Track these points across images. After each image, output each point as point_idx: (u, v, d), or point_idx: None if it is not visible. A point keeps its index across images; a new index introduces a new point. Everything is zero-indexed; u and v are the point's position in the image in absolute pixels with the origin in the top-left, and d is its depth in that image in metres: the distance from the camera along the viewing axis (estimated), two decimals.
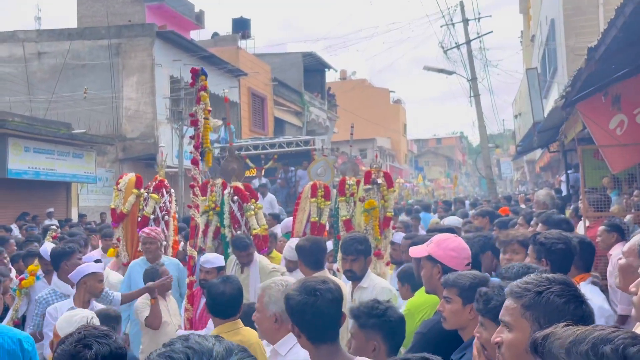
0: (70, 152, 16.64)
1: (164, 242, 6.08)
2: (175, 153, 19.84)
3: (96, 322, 3.16)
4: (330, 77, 40.81)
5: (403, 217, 11.68)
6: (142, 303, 4.97)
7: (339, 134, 27.10)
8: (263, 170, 15.90)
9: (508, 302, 1.84)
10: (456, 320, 2.75)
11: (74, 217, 16.26)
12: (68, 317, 3.24)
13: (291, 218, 7.73)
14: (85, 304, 4.30)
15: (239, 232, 6.21)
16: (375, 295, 3.67)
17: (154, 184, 6.82)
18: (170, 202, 6.86)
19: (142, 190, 6.80)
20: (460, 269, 3.08)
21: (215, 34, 30.27)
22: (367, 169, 7.06)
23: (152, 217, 6.57)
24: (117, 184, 6.95)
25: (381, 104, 51.80)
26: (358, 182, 6.89)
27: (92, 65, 19.70)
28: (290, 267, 5.41)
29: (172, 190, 6.99)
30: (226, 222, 6.42)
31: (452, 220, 8.31)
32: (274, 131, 28.02)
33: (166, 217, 6.72)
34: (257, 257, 5.67)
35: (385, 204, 6.52)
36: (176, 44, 21.14)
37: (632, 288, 1.81)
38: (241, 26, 30.46)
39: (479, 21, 20.32)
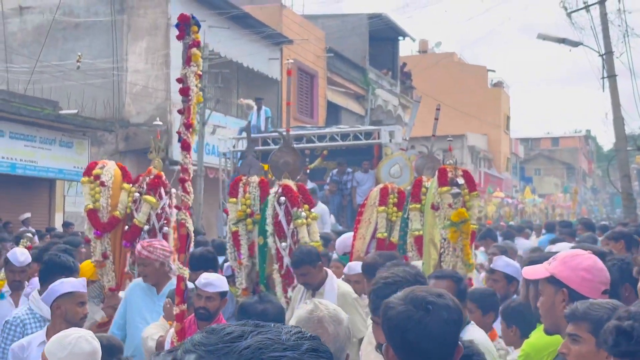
0: (57, 139, 16.99)
1: (170, 260, 5.89)
2: (194, 145, 20.15)
3: (96, 344, 3.29)
4: (406, 48, 40.88)
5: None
6: (155, 333, 5.04)
7: (417, 127, 26.85)
8: (307, 171, 15.96)
9: None
10: None
11: (58, 226, 16.56)
12: (60, 338, 3.35)
13: (350, 234, 7.74)
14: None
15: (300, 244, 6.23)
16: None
17: (147, 179, 6.57)
18: (170, 206, 6.50)
19: (133, 188, 6.59)
20: (595, 296, 3.04)
21: None
22: (441, 166, 6.92)
23: (145, 227, 6.36)
24: (91, 174, 6.56)
25: (476, 88, 51.41)
26: (466, 174, 6.81)
27: (88, 25, 20.16)
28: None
29: (173, 190, 6.53)
30: (269, 228, 6.43)
31: (562, 247, 8.18)
32: (327, 120, 28.12)
33: (165, 228, 6.48)
34: (336, 281, 5.66)
35: (468, 212, 6.42)
36: (199, 1, 21.43)
37: None
38: None
39: None
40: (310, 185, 15.35)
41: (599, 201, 66.93)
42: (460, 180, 6.35)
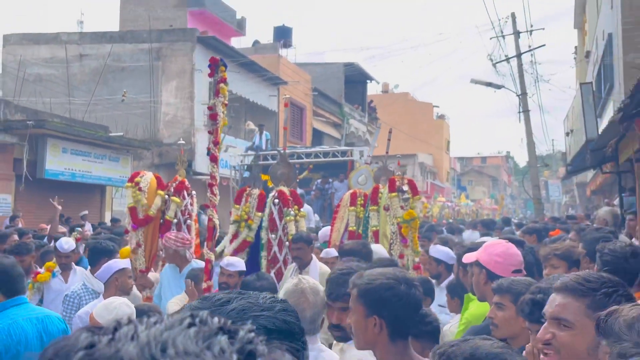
0: (107, 155, 17.02)
1: (190, 247, 5.95)
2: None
3: (133, 308, 3.25)
4: (372, 89, 40.98)
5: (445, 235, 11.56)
6: (175, 304, 5.00)
7: (380, 148, 27.15)
8: (297, 180, 15.94)
9: (565, 299, 1.81)
10: (508, 329, 2.68)
11: (107, 221, 16.54)
12: (107, 304, 3.32)
13: (329, 227, 7.72)
14: None
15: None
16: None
17: (174, 185, 6.61)
18: (192, 204, 6.66)
19: (164, 192, 6.62)
20: (506, 275, 3.05)
21: (256, 42, 30.75)
22: (391, 177, 6.96)
23: (174, 220, 6.42)
24: (133, 181, 6.63)
25: (424, 119, 51.58)
26: (410, 182, 6.78)
27: (132, 69, 20.20)
28: None
29: (194, 192, 6.78)
30: (265, 224, 6.37)
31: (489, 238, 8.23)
32: (312, 142, 28.17)
33: (188, 220, 6.54)
34: (318, 263, 5.60)
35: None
36: (217, 50, 21.44)
37: None
38: (283, 35, 30.87)
39: (530, 34, 20.16)
40: (299, 191, 15.39)
41: (516, 205, 67.31)
42: (405, 187, 6.28)
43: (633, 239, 7.67)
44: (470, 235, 12.91)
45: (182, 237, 5.80)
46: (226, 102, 5.14)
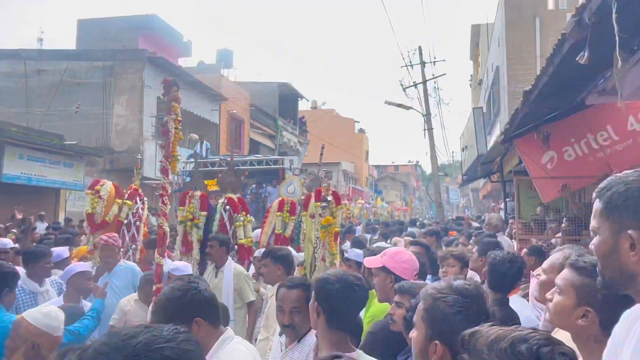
0: (61, 161, 16.30)
1: (121, 248, 5.75)
2: (158, 167, 19.61)
3: (61, 316, 2.96)
4: (303, 105, 41.00)
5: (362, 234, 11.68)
6: (128, 301, 4.78)
7: (308, 157, 27.30)
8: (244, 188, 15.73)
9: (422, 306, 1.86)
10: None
11: (62, 221, 15.86)
12: (45, 314, 2.95)
13: (259, 230, 7.60)
14: (76, 302, 4.18)
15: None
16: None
17: (128, 192, 6.54)
18: (142, 209, 6.57)
19: (120, 200, 6.47)
20: (410, 279, 3.12)
21: (200, 62, 30.27)
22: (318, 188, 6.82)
23: (125, 221, 6.29)
24: (94, 189, 6.43)
25: (347, 132, 52.05)
26: (335, 195, 6.58)
27: (86, 84, 19.42)
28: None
29: (145, 199, 6.70)
30: (215, 228, 6.20)
31: (396, 241, 8.39)
32: (249, 151, 27.96)
33: (137, 222, 6.43)
34: (233, 263, 5.44)
35: (334, 220, 6.30)
36: (164, 69, 20.99)
37: (548, 295, 1.87)
38: (225, 57, 30.55)
39: (434, 64, 20.78)
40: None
41: (423, 206, 69.01)
42: (330, 197, 6.21)
43: (513, 240, 8.03)
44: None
45: (112, 236, 5.50)
46: (179, 118, 4.94)
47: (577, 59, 3.40)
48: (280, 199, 7.44)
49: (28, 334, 2.73)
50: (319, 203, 6.10)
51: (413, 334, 1.82)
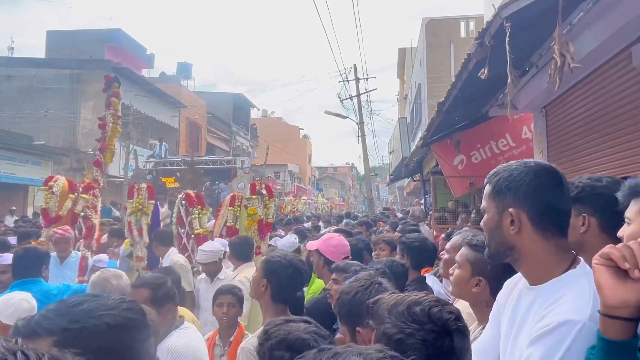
0: (30, 160, 15.47)
1: (80, 240, 5.26)
2: (122, 166, 18.91)
3: (34, 303, 2.65)
4: (254, 114, 40.62)
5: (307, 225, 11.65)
6: None
7: (259, 159, 27.11)
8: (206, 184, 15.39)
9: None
10: None
11: (30, 215, 15.03)
12: (7, 299, 2.67)
13: (212, 221, 7.41)
14: None
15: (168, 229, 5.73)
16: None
17: (82, 186, 6.04)
18: (96, 200, 5.88)
19: (74, 194, 6.01)
20: (338, 260, 3.12)
21: (162, 73, 29.39)
22: (252, 182, 6.67)
23: (81, 214, 5.77)
24: (47, 185, 5.98)
25: (293, 138, 51.97)
26: (267, 188, 6.42)
27: (55, 90, 18.44)
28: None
29: (97, 191, 5.80)
30: (174, 220, 5.92)
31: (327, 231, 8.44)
32: (206, 153, 27.42)
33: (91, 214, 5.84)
34: (173, 254, 4.97)
35: (267, 211, 6.15)
36: (128, 78, 20.24)
37: (450, 271, 1.92)
38: (184, 69, 29.81)
39: (367, 80, 20.99)
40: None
41: (358, 202, 69.91)
42: (264, 191, 6.05)
43: (431, 229, 8.24)
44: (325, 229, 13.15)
45: (65, 229, 5.05)
46: (119, 114, 4.56)
47: (478, 74, 3.51)
48: (232, 194, 7.28)
49: None
50: (254, 196, 5.89)
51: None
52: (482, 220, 1.38)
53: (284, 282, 2.40)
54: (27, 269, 3.35)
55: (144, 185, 5.79)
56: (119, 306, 1.05)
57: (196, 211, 5.93)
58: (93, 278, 2.68)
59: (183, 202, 5.98)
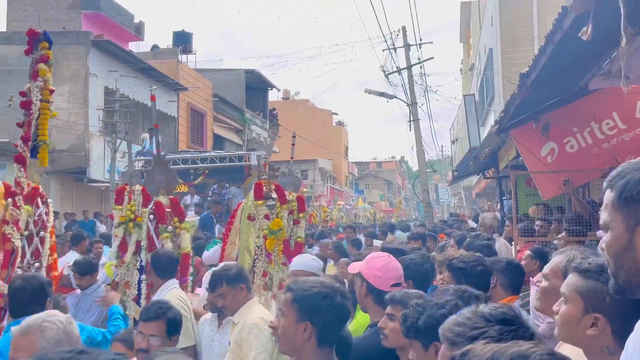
0: None
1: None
2: (107, 167, 19.32)
3: None
4: (273, 96, 40.96)
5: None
6: None
7: (280, 154, 27.30)
8: (193, 186, 15.48)
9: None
10: (397, 339, 2.66)
11: None
12: None
13: (217, 248, 6.60)
14: None
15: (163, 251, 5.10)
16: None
17: (24, 192, 5.08)
18: (47, 214, 5.12)
19: (9, 201, 4.97)
20: (385, 288, 3.07)
21: (155, 47, 29.89)
22: (257, 182, 6.10)
23: (25, 233, 4.78)
24: None
25: (324, 126, 52.21)
26: (299, 199, 6.14)
27: (19, 72, 18.93)
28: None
29: (50, 200, 5.28)
30: (143, 244, 5.29)
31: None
32: (213, 147, 27.75)
33: (42, 232, 4.97)
34: (166, 291, 4.63)
35: (296, 227, 5.84)
36: (113, 54, 20.73)
37: (555, 307, 1.84)
38: (182, 40, 30.25)
39: (420, 47, 20.79)
40: (196, 199, 14.96)
41: (410, 207, 69.56)
42: (274, 195, 5.71)
43: (513, 243, 8.06)
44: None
45: None
46: (51, 87, 4.11)
47: (579, 34, 3.39)
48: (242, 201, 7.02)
49: None
50: (260, 202, 5.52)
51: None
52: (605, 240, 1.31)
53: (330, 318, 2.34)
54: (28, 303, 3.35)
55: (138, 187, 5.50)
56: None
57: (170, 228, 5.38)
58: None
59: (151, 217, 5.36)
